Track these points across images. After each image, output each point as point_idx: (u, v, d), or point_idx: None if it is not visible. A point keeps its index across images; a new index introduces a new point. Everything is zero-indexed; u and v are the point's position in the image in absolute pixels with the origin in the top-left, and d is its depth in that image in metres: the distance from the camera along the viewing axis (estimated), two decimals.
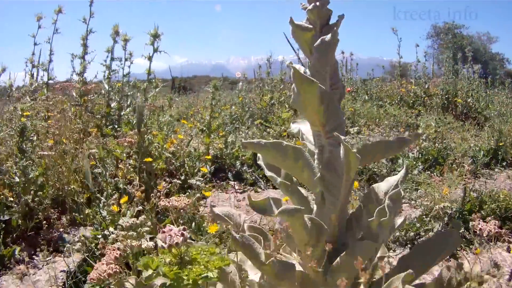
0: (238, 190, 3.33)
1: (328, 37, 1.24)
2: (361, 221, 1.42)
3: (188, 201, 1.65)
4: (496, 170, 4.70)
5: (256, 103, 6.04)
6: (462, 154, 4.62)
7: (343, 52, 7.50)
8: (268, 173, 1.52)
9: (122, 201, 2.00)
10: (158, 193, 1.98)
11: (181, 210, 1.70)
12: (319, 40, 1.26)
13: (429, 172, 4.37)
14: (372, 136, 4.69)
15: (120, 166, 2.77)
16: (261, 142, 1.35)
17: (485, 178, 4.36)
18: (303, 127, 1.50)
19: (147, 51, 2.80)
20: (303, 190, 1.57)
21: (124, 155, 2.72)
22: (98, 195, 2.22)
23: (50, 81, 4.46)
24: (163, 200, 1.69)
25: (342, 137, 1.16)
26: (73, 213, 2.50)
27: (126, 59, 3.39)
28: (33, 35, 4.81)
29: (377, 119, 5.70)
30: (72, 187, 2.54)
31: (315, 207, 1.45)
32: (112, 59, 3.53)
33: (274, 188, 3.40)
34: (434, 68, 10.09)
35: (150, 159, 2.46)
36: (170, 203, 1.66)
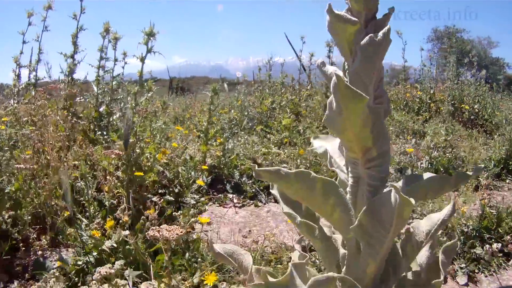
0: (236, 204, 3.07)
1: (380, 35, 0.97)
2: (399, 269, 1.14)
3: (181, 232, 1.39)
4: (507, 181, 4.47)
5: (256, 107, 5.78)
6: (474, 165, 4.38)
7: None
8: (286, 209, 1.23)
9: (106, 226, 1.74)
10: (149, 217, 1.72)
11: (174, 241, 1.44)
12: (367, 38, 0.98)
13: None
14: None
15: (108, 178, 2.51)
16: (281, 171, 1.05)
17: (497, 189, 4.13)
18: (330, 147, 1.22)
19: (140, 50, 2.54)
20: (326, 227, 1.29)
21: (112, 166, 2.46)
22: (80, 216, 1.96)
23: (46, 82, 4.21)
24: (152, 229, 1.43)
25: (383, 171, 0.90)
26: (54, 233, 2.24)
27: (116, 59, 3.12)
28: (22, 32, 4.54)
29: None
30: (53, 203, 2.28)
31: (345, 254, 1.16)
32: (102, 58, 3.26)
33: (276, 202, 3.14)
34: (434, 72, 9.84)
35: (139, 173, 2.19)
36: (160, 233, 1.40)
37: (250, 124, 5.31)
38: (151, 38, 2.09)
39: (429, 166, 4.28)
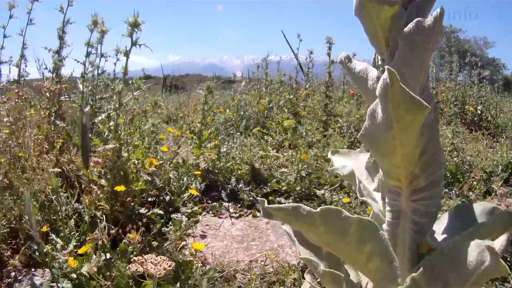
0: (233, 214, 2.82)
1: (430, 20, 0.73)
2: None
3: (169, 266, 1.14)
4: None
5: (252, 106, 5.52)
6: (483, 170, 4.17)
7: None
8: (303, 253, 0.97)
9: (81, 250, 1.49)
10: (133, 239, 1.47)
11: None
12: (414, 23, 0.74)
13: (446, 190, 3.92)
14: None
15: (92, 186, 2.25)
16: (301, 210, 0.79)
17: (506, 196, 3.93)
18: (355, 166, 0.97)
19: (125, 44, 2.29)
20: (351, 271, 1.02)
21: (95, 174, 2.20)
22: (53, 236, 1.70)
23: (38, 78, 3.94)
24: (135, 262, 1.18)
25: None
26: (30, 251, 1.98)
27: (102, 55, 2.85)
28: (3, 25, 4.26)
29: None
30: (27, 217, 2.01)
31: None
32: (88, 54, 2.99)
33: None
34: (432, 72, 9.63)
35: (121, 188, 1.94)
36: (145, 267, 1.16)
37: (247, 124, 5.06)
38: (136, 29, 1.84)
39: None
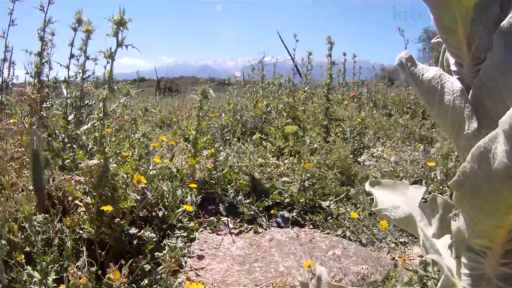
0: (233, 230, 2.58)
1: None
2: None
3: None
4: None
5: (249, 111, 5.28)
6: None
7: (344, 54, 6.74)
8: None
9: None
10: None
11: None
12: None
13: None
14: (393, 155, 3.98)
15: (77, 203, 2.01)
16: None
17: None
18: (406, 204, 0.73)
19: (109, 44, 2.05)
20: None
21: (79, 190, 1.96)
22: (29, 269, 1.46)
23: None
24: None
25: None
26: (9, 277, 1.74)
27: (88, 57, 2.61)
28: None
29: (388, 130, 5.00)
30: (4, 241, 1.77)
31: None
32: (72, 56, 2.74)
33: (279, 226, 2.66)
34: None
35: (108, 208, 1.69)
36: None
37: (243, 129, 4.82)
38: (122, 28, 1.60)
39: (444, 179, 3.84)
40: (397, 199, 0.77)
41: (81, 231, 1.83)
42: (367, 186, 0.82)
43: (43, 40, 3.26)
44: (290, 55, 8.39)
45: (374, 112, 5.81)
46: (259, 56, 7.38)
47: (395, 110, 6.22)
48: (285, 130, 3.99)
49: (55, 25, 3.23)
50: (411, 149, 4.53)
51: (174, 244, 1.88)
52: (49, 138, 2.55)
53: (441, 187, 3.62)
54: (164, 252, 1.83)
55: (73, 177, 1.66)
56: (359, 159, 3.88)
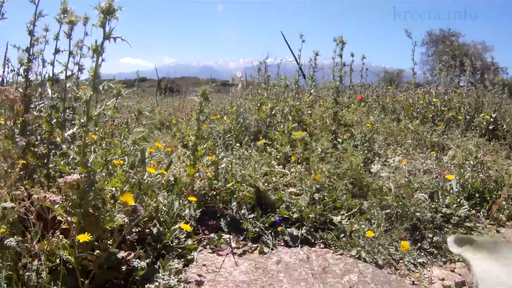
0: (235, 250, 2.31)
1: None
2: None
3: None
4: None
5: (252, 114, 5.01)
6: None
7: (352, 55, 6.47)
8: None
9: None
10: None
11: None
12: None
13: (474, 211, 3.44)
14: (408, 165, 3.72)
15: (60, 218, 1.74)
16: None
17: None
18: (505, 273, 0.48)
19: (96, 37, 1.79)
20: None
21: (61, 208, 1.69)
22: None
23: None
24: None
25: None
26: None
27: (71, 53, 2.35)
28: None
29: (398, 137, 4.73)
30: None
31: None
32: (57, 51, 2.47)
33: (287, 245, 2.39)
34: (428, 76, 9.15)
35: (85, 238, 1.43)
36: None
37: (247, 134, 4.55)
38: (109, 17, 1.34)
39: (460, 190, 3.57)
40: (497, 268, 0.51)
41: (60, 255, 1.56)
42: (453, 246, 0.56)
43: (32, 34, 2.99)
44: (294, 56, 8.10)
45: (383, 116, 5.54)
46: (261, 57, 7.10)
47: (403, 115, 5.95)
48: (291, 136, 3.72)
49: (49, 21, 2.97)
50: (423, 157, 4.27)
51: (168, 281, 1.60)
52: (33, 144, 2.29)
53: (457, 200, 3.36)
54: (157, 284, 1.56)
55: (47, 195, 1.40)
56: (371, 169, 3.61)
